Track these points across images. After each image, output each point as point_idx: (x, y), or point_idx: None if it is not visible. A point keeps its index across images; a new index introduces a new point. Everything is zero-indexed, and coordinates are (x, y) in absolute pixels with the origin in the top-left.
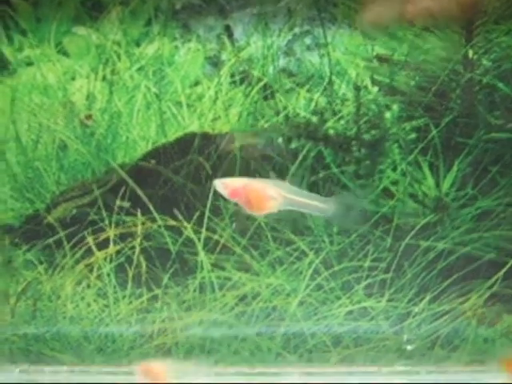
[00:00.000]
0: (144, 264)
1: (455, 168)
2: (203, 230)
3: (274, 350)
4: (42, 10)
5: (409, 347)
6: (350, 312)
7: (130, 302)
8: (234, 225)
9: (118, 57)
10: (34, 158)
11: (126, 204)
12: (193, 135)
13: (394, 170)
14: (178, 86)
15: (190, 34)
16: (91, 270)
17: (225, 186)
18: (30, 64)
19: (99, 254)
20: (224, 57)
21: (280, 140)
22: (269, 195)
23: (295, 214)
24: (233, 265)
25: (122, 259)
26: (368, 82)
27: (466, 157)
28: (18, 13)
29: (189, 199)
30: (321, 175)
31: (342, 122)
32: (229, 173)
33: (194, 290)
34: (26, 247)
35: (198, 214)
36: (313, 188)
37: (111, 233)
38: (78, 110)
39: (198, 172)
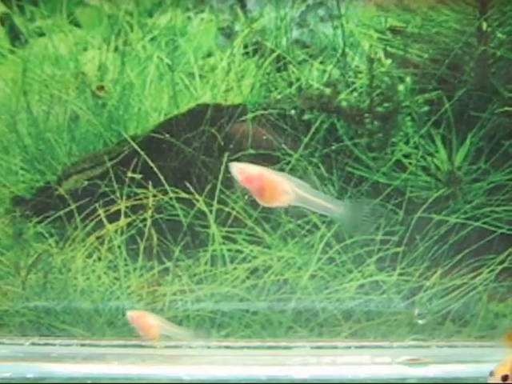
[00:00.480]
0: (155, 236)
1: (468, 142)
2: (215, 202)
3: (285, 324)
4: None
5: (420, 321)
6: (362, 286)
7: (141, 275)
8: (246, 197)
9: (131, 27)
10: (46, 130)
11: (138, 176)
12: (205, 106)
13: (407, 143)
14: (191, 56)
15: (203, 4)
16: (102, 243)
17: (240, 171)
18: (41, 35)
19: (110, 227)
20: (237, 28)
21: (293, 112)
22: (282, 189)
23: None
24: (244, 238)
25: (133, 231)
26: (381, 54)
27: (479, 130)
28: None
29: (201, 171)
30: (333, 147)
31: (355, 94)
32: (241, 145)
33: (206, 263)
34: (36, 219)
35: (209, 186)
36: (325, 160)
37: (122, 205)
38: (89, 81)
39: (210, 144)
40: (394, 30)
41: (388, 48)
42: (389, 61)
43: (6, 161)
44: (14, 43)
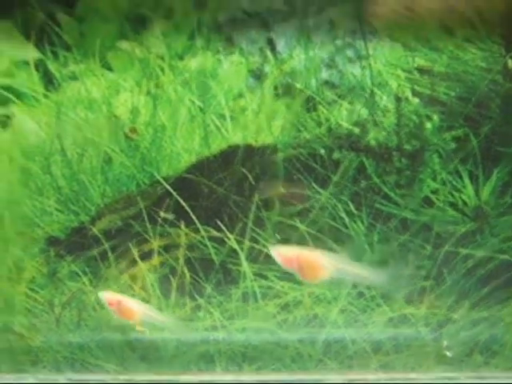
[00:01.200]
0: (188, 274)
1: (494, 177)
2: (246, 240)
3: (315, 357)
4: (86, 25)
5: (448, 353)
6: (391, 319)
7: (174, 312)
8: (276, 235)
9: (162, 70)
10: (79, 171)
11: (170, 216)
12: (236, 147)
13: (434, 179)
14: (222, 98)
15: (233, 47)
16: (135, 281)
17: (279, 254)
18: (74, 79)
19: (143, 265)
20: (267, 69)
21: (322, 151)
22: (321, 265)
23: (337, 222)
24: (275, 274)
25: (166, 270)
26: (409, 93)
27: (505, 166)
28: (62, 28)
29: (232, 210)
30: (362, 185)
31: (384, 132)
32: (272, 184)
33: (237, 299)
34: (70, 258)
35: (240, 224)
36: (355, 198)
37: (155, 244)
38: (122, 124)
39: (241, 183)
40: (421, 70)
41: (415, 87)
42: (416, 99)
43: (41, 202)
44: (48, 88)
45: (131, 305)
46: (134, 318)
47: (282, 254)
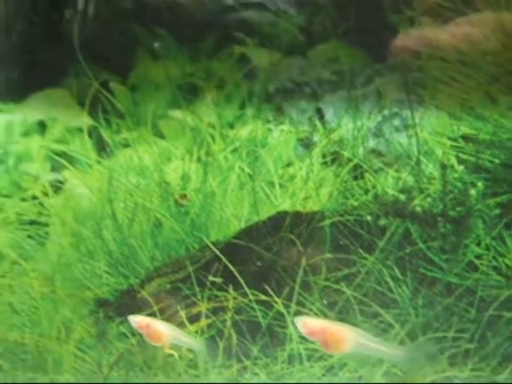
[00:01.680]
0: (234, 337)
1: None
2: (293, 303)
3: None
4: (139, 94)
5: None
6: (434, 381)
7: (220, 373)
8: (323, 300)
9: (213, 139)
10: (130, 236)
11: (219, 279)
12: (285, 214)
13: (479, 244)
14: (271, 166)
15: (283, 116)
16: None
17: (304, 324)
18: (126, 146)
19: (191, 327)
20: (316, 138)
21: (369, 217)
22: (345, 339)
23: (382, 286)
24: None
25: (213, 332)
26: (454, 160)
27: None
28: (116, 97)
29: (279, 274)
30: (407, 250)
31: (429, 199)
32: (319, 249)
33: (283, 361)
34: (119, 320)
35: (288, 288)
36: (400, 263)
37: (203, 307)
38: (173, 190)
39: (289, 248)
40: (466, 138)
41: (460, 154)
42: (461, 167)
43: (91, 265)
44: (101, 154)
45: (160, 328)
46: (163, 341)
47: (308, 325)
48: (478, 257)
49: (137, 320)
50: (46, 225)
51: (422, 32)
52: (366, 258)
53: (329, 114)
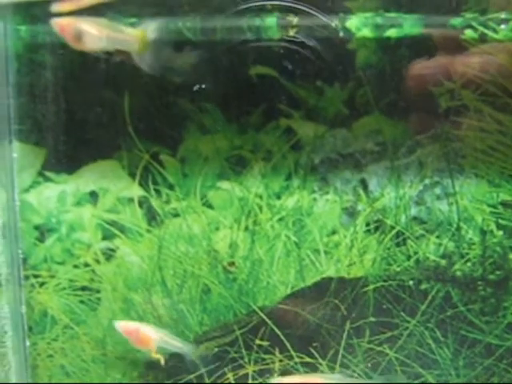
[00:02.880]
0: None
1: None
2: (337, 365)
3: None
4: (188, 165)
5: None
6: None
7: None
8: (369, 364)
9: (260, 209)
10: (179, 301)
11: (265, 343)
12: (329, 279)
13: None
14: (316, 234)
15: (328, 186)
16: None
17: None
18: (176, 215)
19: None
20: (359, 207)
21: (411, 282)
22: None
23: (424, 348)
24: None
25: None
26: (493, 226)
27: None
28: (166, 169)
29: (324, 338)
30: (448, 313)
31: (469, 264)
32: (362, 313)
33: None
34: (168, 382)
35: (332, 351)
36: (441, 325)
37: (250, 369)
38: (221, 258)
39: (334, 313)
40: (505, 204)
41: (500, 220)
42: (500, 232)
43: None
44: (151, 223)
45: (149, 332)
46: (151, 346)
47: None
48: None
49: (123, 325)
50: (98, 291)
51: (438, 60)
52: (408, 321)
53: (372, 184)
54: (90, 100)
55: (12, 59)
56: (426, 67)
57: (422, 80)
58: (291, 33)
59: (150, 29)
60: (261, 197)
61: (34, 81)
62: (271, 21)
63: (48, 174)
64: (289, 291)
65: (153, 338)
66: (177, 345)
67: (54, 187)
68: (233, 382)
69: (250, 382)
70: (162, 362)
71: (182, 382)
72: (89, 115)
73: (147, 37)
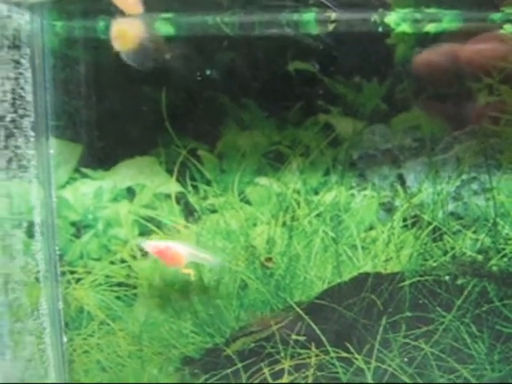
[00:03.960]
0: None
1: None
2: (373, 360)
3: None
4: (226, 161)
5: None
6: None
7: None
8: (402, 358)
9: (298, 204)
10: (216, 297)
11: (302, 338)
12: (366, 275)
13: None
14: (354, 230)
15: (366, 182)
16: None
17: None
18: (213, 211)
19: None
20: (397, 203)
21: (447, 277)
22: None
23: (459, 343)
24: None
25: None
26: None
27: None
28: (203, 165)
29: (360, 333)
30: (484, 308)
31: (505, 259)
32: (399, 308)
33: None
34: (204, 377)
35: (368, 346)
36: (476, 320)
37: (286, 364)
38: (258, 254)
39: (370, 308)
40: None
41: None
42: None
43: (178, 325)
44: (188, 219)
45: (179, 249)
46: (182, 263)
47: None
48: None
49: (152, 244)
50: (134, 287)
51: (446, 48)
52: (443, 316)
53: (410, 180)
54: (126, 96)
55: (48, 55)
56: (434, 53)
57: (429, 66)
58: (330, 28)
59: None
60: (299, 192)
61: (70, 77)
62: (309, 15)
63: (84, 170)
64: (326, 286)
65: (183, 255)
66: (206, 258)
67: (91, 183)
68: (268, 375)
69: (285, 375)
70: (192, 276)
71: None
72: (125, 111)
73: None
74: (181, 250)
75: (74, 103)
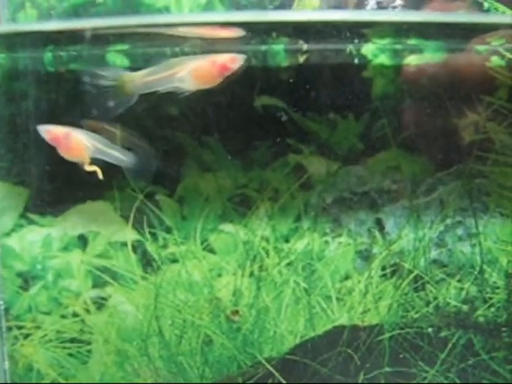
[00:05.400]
0: None
1: None
2: None
3: None
4: (187, 206)
5: None
6: None
7: None
8: None
9: (267, 253)
10: (178, 353)
11: None
12: (342, 328)
13: None
14: (328, 280)
15: (341, 228)
16: None
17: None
18: (174, 261)
19: None
20: (375, 250)
21: (430, 329)
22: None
23: None
24: None
25: None
26: None
27: None
28: (162, 210)
29: None
30: (470, 362)
31: (493, 309)
32: (377, 363)
33: None
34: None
35: None
36: (462, 375)
37: None
38: (224, 306)
39: (347, 364)
40: None
41: None
42: None
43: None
44: (147, 270)
45: (81, 138)
46: (84, 156)
47: (51, 131)
48: None
49: (50, 130)
50: (89, 343)
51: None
52: (426, 371)
53: (389, 225)
54: None
55: None
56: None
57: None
58: (301, 59)
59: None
60: (267, 240)
61: (15, 112)
62: (278, 46)
63: (32, 216)
64: (298, 341)
65: (86, 147)
66: (115, 155)
67: (39, 231)
68: None
69: None
70: (100, 175)
71: None
72: None
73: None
74: (84, 140)
75: (19, 142)
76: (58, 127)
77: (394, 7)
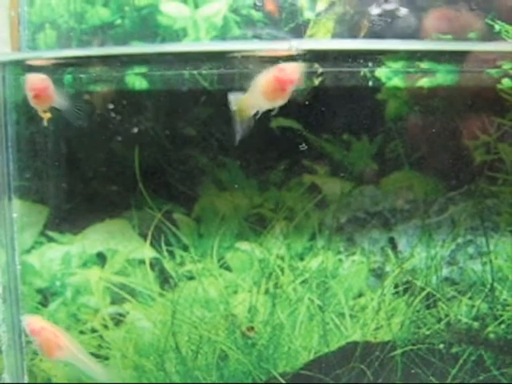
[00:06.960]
0: None
1: None
2: None
3: None
4: (204, 225)
5: None
6: None
7: None
8: None
9: (282, 271)
10: (194, 368)
11: None
12: (355, 344)
13: None
14: (342, 297)
15: (355, 247)
16: None
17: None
18: (191, 278)
19: None
20: (388, 268)
21: (441, 346)
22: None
23: None
24: None
25: None
26: None
27: None
28: (180, 229)
29: None
30: (481, 378)
31: (503, 326)
32: (389, 379)
33: None
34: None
35: None
36: None
37: None
38: (239, 323)
39: (360, 379)
40: None
41: None
42: None
43: None
44: (164, 287)
45: (61, 339)
46: (58, 356)
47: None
48: None
49: (33, 322)
50: (106, 358)
51: None
52: None
53: (402, 244)
54: (96, 154)
55: (11, 110)
56: None
57: None
58: (316, 82)
59: None
60: (282, 258)
61: (35, 133)
62: None
63: (51, 234)
64: (312, 357)
65: (63, 348)
66: (90, 365)
67: (58, 248)
68: None
69: None
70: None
71: None
72: (96, 171)
73: None
74: (65, 342)
75: (39, 161)
76: (40, 320)
77: (397, 17)
